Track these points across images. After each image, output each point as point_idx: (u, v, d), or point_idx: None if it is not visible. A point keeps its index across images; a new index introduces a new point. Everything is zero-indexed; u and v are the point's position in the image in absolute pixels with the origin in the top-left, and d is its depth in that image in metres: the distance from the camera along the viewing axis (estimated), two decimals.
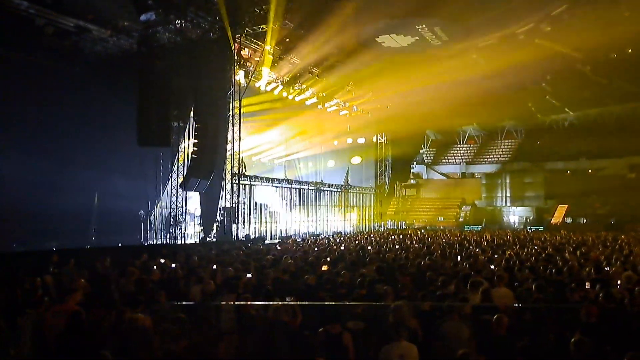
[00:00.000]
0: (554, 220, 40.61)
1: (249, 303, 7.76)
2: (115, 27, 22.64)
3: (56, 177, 19.15)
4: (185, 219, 24.54)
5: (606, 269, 10.78)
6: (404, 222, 43.62)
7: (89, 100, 20.38)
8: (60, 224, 18.89)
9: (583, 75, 35.12)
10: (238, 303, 7.60)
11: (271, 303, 7.64)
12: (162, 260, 13.47)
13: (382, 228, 41.11)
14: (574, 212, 40.64)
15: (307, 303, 7.86)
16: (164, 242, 23.44)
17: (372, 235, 27.05)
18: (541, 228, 37.57)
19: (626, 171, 40.25)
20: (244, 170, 27.20)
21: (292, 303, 7.83)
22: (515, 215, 44.49)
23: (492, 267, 11.64)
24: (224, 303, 7.97)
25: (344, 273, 9.72)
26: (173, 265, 12.41)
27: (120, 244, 20.25)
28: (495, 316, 6.13)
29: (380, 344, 6.17)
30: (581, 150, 43.10)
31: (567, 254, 15.06)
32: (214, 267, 11.56)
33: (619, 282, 9.23)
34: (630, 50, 30.60)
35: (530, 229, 38.06)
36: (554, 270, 10.10)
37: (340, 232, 33.48)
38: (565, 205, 41.77)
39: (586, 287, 8.49)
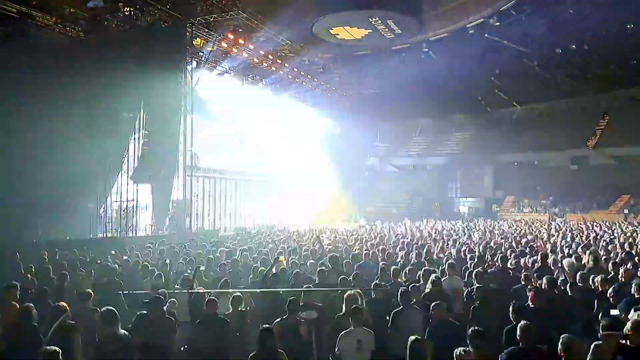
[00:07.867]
0: (502, 211, 42.03)
1: (202, 291, 7.74)
2: (61, 14, 21.81)
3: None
4: (136, 211, 24.00)
5: (551, 256, 11.19)
6: (357, 214, 43.92)
7: (33, 90, 19.51)
8: (5, 217, 18.14)
9: (530, 69, 36.22)
10: (192, 292, 7.57)
11: (225, 291, 7.66)
12: (113, 252, 13.29)
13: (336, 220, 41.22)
14: (520, 203, 42.29)
15: (261, 290, 7.92)
16: (115, 235, 22.87)
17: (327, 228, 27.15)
18: (490, 219, 38.63)
19: (568, 163, 41.86)
20: (196, 163, 26.81)
21: (247, 290, 7.87)
22: (465, 206, 45.76)
23: (443, 256, 11.96)
24: (178, 293, 7.93)
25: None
26: (125, 258, 12.25)
27: (68, 238, 19.64)
28: (436, 303, 6.30)
29: (334, 332, 6.27)
30: (527, 143, 44.48)
31: (514, 243, 15.65)
32: (167, 260, 11.45)
33: (565, 268, 9.62)
34: (573, 47, 31.75)
35: (478, 218, 39.10)
36: (499, 259, 10.40)
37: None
38: (513, 196, 43.39)
39: (530, 274, 8.80)
